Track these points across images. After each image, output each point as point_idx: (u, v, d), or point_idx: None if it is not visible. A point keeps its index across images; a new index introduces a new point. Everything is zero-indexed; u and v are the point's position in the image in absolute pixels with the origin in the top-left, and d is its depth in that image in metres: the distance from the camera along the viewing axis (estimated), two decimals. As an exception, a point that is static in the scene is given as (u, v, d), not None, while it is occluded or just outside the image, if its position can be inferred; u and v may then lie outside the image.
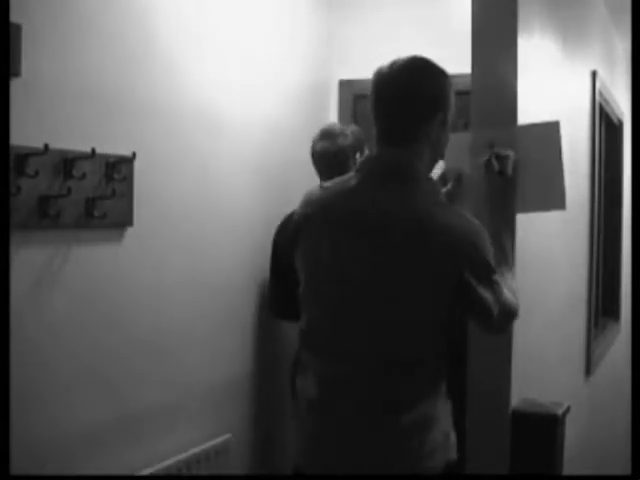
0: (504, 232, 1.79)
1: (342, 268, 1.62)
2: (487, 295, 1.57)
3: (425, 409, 1.62)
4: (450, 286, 1.57)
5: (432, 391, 1.64)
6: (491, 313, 1.59)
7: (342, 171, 1.97)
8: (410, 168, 1.63)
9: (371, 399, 1.61)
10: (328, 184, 1.74)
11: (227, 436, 2.66)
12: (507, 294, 1.63)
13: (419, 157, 1.64)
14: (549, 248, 2.84)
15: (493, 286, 1.59)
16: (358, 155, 2.60)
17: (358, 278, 1.60)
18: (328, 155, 2.62)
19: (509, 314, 1.66)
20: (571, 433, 2.62)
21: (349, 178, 1.70)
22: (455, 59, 2.21)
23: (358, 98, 3.39)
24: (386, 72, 1.63)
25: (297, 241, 1.72)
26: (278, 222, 2.77)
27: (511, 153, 1.86)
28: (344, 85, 3.44)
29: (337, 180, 1.74)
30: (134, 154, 2.17)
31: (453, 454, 1.67)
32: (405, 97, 1.62)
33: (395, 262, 1.58)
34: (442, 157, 1.81)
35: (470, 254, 1.57)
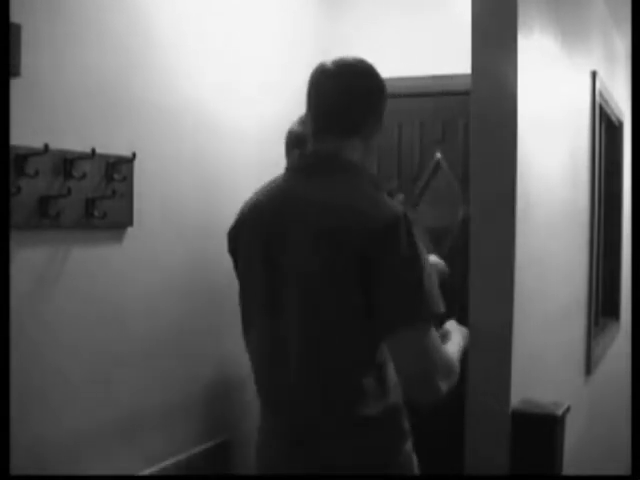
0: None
1: (271, 265, 1.61)
2: (405, 294, 1.47)
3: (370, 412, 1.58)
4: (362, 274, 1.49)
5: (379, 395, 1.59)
6: (413, 311, 1.47)
7: None
8: (338, 159, 1.63)
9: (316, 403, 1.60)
10: (260, 187, 1.74)
11: (227, 436, 2.66)
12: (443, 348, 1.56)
13: (351, 148, 1.64)
14: (549, 248, 2.84)
15: (416, 288, 1.47)
16: None
17: (286, 275, 1.59)
18: None
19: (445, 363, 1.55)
20: (571, 433, 2.62)
21: (278, 177, 1.71)
22: (455, 59, 2.22)
23: (358, 98, 3.38)
24: (328, 68, 1.70)
25: (235, 247, 1.74)
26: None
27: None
28: (344, 85, 3.43)
29: (269, 181, 1.75)
30: (134, 154, 2.17)
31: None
32: (340, 91, 1.66)
33: (314, 253, 1.54)
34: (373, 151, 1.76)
35: (383, 239, 1.48)
